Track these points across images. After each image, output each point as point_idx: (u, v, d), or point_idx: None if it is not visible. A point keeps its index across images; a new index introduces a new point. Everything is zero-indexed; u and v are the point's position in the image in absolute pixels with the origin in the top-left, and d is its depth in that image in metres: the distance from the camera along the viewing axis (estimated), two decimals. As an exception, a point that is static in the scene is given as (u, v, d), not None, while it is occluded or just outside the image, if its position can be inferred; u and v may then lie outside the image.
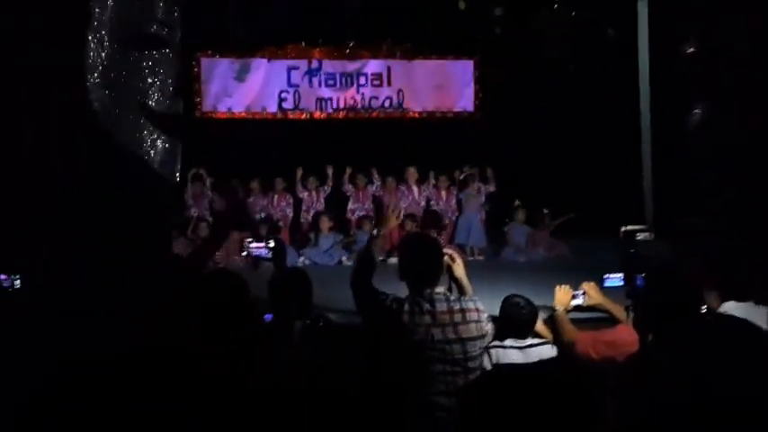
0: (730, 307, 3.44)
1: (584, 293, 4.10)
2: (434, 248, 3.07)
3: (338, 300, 5.33)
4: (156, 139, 7.55)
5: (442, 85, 11.70)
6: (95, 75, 7.35)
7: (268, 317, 3.52)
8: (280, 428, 2.52)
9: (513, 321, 3.89)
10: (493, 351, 3.73)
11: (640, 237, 4.36)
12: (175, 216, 8.28)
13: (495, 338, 3.81)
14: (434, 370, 2.83)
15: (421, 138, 10.99)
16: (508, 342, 3.78)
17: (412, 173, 10.03)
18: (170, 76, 7.62)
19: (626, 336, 3.56)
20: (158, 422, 2.34)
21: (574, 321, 4.11)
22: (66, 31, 7.08)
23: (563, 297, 4.03)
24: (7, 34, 6.62)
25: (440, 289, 2.96)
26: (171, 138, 7.61)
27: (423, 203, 10.03)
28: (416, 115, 11.66)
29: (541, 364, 1.78)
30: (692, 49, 8.08)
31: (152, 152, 7.55)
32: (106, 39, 7.37)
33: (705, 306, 3.73)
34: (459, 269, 3.26)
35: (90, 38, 7.30)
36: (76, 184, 7.00)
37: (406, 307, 2.89)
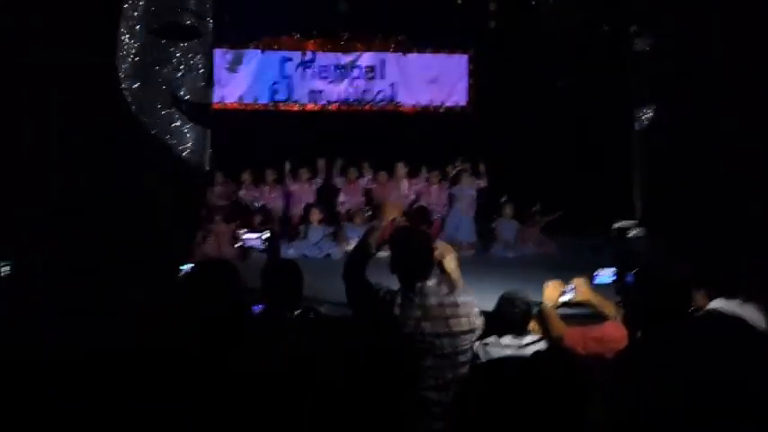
0: (718, 305, 3.45)
1: (573, 289, 4.10)
2: (425, 242, 3.07)
3: (327, 292, 5.34)
4: (187, 128, 7.67)
5: (435, 79, 11.68)
6: (127, 65, 7.51)
7: (257, 308, 3.52)
8: (273, 420, 2.52)
9: (509, 318, 3.90)
10: (490, 348, 3.76)
11: (632, 233, 4.39)
12: (204, 204, 8.29)
13: (491, 334, 3.85)
14: (424, 364, 2.82)
15: (413, 132, 10.98)
16: (506, 340, 3.80)
17: (400, 167, 10.01)
18: (201, 66, 7.73)
19: (614, 332, 3.57)
20: (146, 419, 2.32)
21: (562, 317, 4.12)
22: (98, 22, 7.13)
23: (552, 292, 4.02)
24: (38, 25, 6.62)
25: (431, 282, 2.95)
26: (201, 127, 7.74)
27: (412, 197, 10.01)
28: (409, 109, 11.64)
29: (533, 357, 1.78)
30: (646, 47, 8.15)
31: (183, 141, 7.67)
32: (138, 29, 7.49)
33: (693, 304, 3.76)
34: (451, 263, 3.26)
35: (122, 28, 7.42)
36: (106, 172, 7.06)
37: (398, 300, 2.89)
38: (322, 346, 2.92)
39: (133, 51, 7.52)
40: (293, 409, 2.65)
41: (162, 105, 7.59)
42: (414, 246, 3.02)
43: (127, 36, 7.49)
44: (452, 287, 3.19)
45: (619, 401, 1.41)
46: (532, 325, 4.03)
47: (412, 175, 10.12)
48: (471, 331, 2.94)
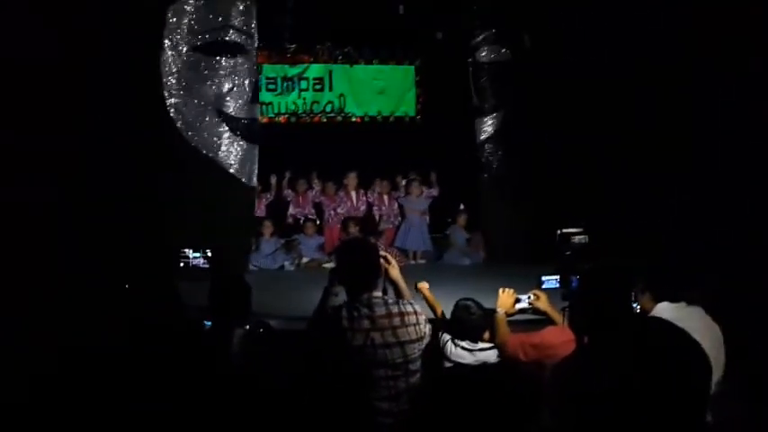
0: (663, 308, 3.53)
1: (529, 297, 4.15)
2: (371, 253, 3.05)
3: (279, 305, 5.33)
4: (234, 143, 7.86)
5: (383, 90, 11.73)
6: (171, 79, 7.72)
7: (208, 323, 3.50)
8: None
9: (465, 325, 3.99)
10: (449, 345, 3.91)
11: (576, 239, 4.47)
12: (254, 217, 8.31)
13: (448, 334, 3.98)
14: (376, 374, 2.83)
15: (363, 142, 10.98)
16: (463, 344, 3.93)
17: (351, 178, 10.02)
18: (247, 81, 7.91)
19: (552, 338, 3.63)
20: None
21: (516, 323, 4.19)
22: (141, 38, 7.35)
23: (506, 300, 4.07)
24: (83, 40, 6.74)
25: (377, 293, 2.96)
26: (248, 141, 7.91)
27: (362, 208, 10.03)
28: (359, 120, 11.66)
29: (483, 368, 1.81)
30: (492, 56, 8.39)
31: (230, 155, 7.88)
32: (182, 45, 7.71)
33: (638, 308, 3.85)
34: (395, 271, 3.27)
35: (165, 45, 7.64)
36: (151, 184, 7.43)
37: (344, 312, 2.88)
38: (269, 360, 2.94)
39: (177, 68, 7.72)
40: (243, 419, 2.65)
41: (208, 121, 7.78)
42: (360, 257, 3.01)
43: (171, 53, 7.69)
44: (399, 296, 3.21)
45: (562, 409, 1.44)
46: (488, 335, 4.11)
47: (363, 185, 10.13)
48: (420, 339, 2.95)
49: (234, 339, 3.01)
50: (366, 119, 11.66)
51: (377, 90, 11.69)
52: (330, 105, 11.49)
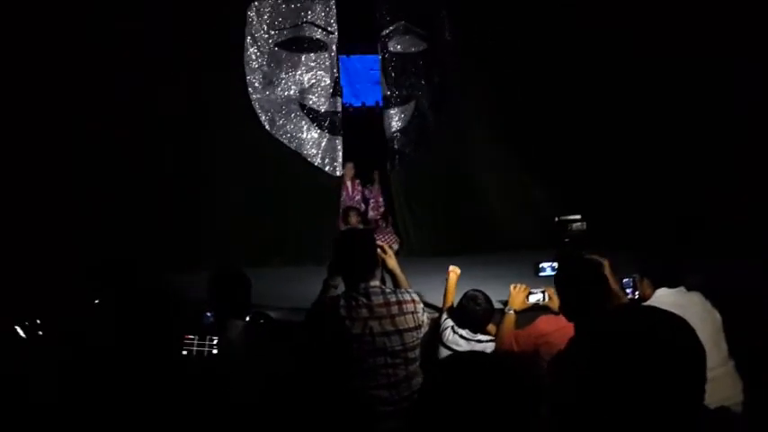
0: (662, 294, 3.54)
1: (543, 292, 4.13)
2: (367, 242, 3.07)
3: (278, 297, 5.34)
4: (318, 135, 8.22)
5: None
6: (256, 76, 8.06)
7: (207, 315, 3.51)
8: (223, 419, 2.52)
9: (469, 315, 4.00)
10: (447, 331, 3.92)
11: (574, 226, 4.47)
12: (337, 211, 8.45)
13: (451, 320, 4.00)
14: (375, 363, 2.84)
15: (360, 133, 10.94)
16: (462, 332, 3.92)
17: (348, 168, 9.98)
18: (328, 75, 8.19)
19: (545, 326, 3.62)
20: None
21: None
22: (223, 36, 7.78)
23: (517, 297, 3.99)
24: (167, 40, 7.29)
25: (374, 282, 2.97)
26: (331, 134, 8.21)
27: (357, 198, 10.00)
28: (355, 110, 11.65)
29: (475, 353, 1.82)
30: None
31: (315, 148, 8.24)
32: (264, 42, 8.05)
33: (638, 293, 3.86)
34: (392, 261, 3.29)
35: (248, 40, 7.98)
36: (237, 179, 7.88)
37: (342, 302, 2.90)
38: (270, 351, 2.95)
39: (261, 63, 8.04)
40: (242, 408, 2.66)
41: (291, 115, 8.14)
42: (356, 246, 3.03)
43: (254, 49, 8.01)
44: (397, 286, 3.23)
45: (556, 399, 1.43)
46: (491, 328, 4.12)
47: (360, 176, 10.09)
48: (418, 328, 2.96)
49: (234, 330, 3.01)
50: (363, 109, 11.65)
51: (374, 80, 11.65)
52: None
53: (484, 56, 8.25)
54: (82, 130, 6.95)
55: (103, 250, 5.94)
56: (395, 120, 8.63)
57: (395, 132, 8.61)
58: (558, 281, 3.01)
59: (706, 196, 6.94)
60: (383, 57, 8.52)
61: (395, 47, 8.49)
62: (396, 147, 8.65)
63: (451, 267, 4.36)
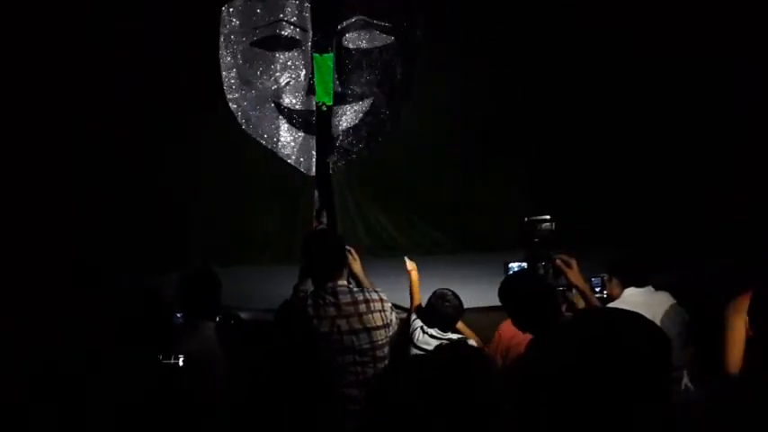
0: (630, 293, 3.58)
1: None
2: (335, 242, 3.11)
3: (249, 298, 5.34)
4: (293, 134, 8.19)
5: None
6: (230, 75, 8.05)
7: (178, 316, 3.50)
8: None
9: (439, 314, 4.01)
10: (417, 332, 3.93)
11: (543, 227, 4.48)
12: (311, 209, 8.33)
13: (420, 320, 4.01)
14: (344, 361, 2.86)
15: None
16: (432, 331, 3.94)
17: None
18: (303, 74, 8.13)
19: (507, 331, 3.66)
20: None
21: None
22: (196, 35, 7.71)
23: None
24: (137, 38, 7.22)
25: (342, 281, 2.99)
26: (306, 133, 8.16)
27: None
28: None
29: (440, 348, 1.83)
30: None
31: (288, 147, 8.21)
32: (238, 40, 8.02)
33: (606, 293, 3.89)
34: (356, 266, 3.34)
35: (222, 41, 7.95)
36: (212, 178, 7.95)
37: (310, 301, 2.91)
38: (241, 352, 2.95)
39: (236, 62, 8.05)
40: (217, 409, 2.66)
41: (266, 114, 8.15)
42: (323, 246, 3.05)
43: (228, 49, 8.01)
44: (361, 286, 3.25)
45: (519, 403, 1.43)
46: (461, 326, 4.14)
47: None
48: (386, 326, 2.99)
49: (205, 332, 3.01)
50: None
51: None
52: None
53: (453, 51, 8.24)
54: (82, 130, 6.96)
55: (91, 250, 5.95)
56: (344, 117, 8.51)
57: (343, 130, 8.50)
58: (502, 296, 3.03)
59: (705, 196, 6.99)
60: (337, 52, 8.42)
61: (354, 42, 8.39)
62: (341, 145, 8.53)
63: (409, 264, 4.37)
